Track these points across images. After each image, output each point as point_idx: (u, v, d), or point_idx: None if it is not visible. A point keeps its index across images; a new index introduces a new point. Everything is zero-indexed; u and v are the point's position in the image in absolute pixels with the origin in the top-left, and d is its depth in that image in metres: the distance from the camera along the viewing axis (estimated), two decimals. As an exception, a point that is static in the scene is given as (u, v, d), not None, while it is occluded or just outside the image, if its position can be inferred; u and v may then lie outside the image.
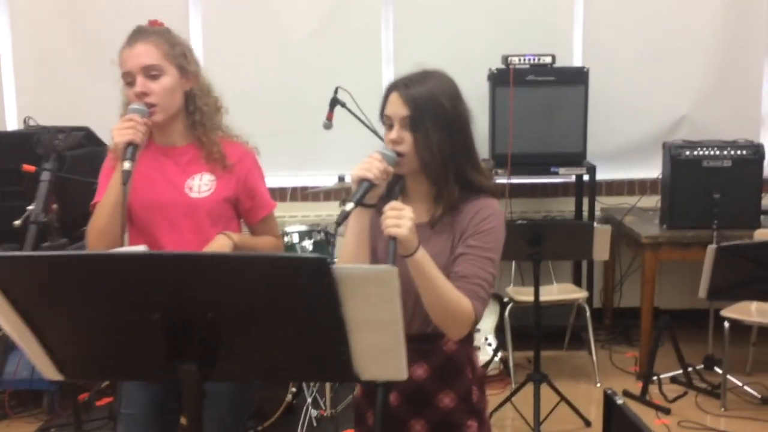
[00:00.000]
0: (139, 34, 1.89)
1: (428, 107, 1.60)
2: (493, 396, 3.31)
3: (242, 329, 1.00)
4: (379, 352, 1.06)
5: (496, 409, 3.26)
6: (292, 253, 0.93)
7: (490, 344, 3.80)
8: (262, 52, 4.42)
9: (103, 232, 1.80)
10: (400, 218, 1.48)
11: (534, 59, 4.02)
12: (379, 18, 4.46)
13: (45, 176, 1.63)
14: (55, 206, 1.56)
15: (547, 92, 4.00)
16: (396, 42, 4.48)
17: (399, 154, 1.61)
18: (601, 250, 3.27)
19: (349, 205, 1.52)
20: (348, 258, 1.64)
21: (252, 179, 2.01)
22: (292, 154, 4.39)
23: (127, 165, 1.71)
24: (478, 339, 3.78)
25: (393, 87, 1.65)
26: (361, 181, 1.54)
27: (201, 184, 1.94)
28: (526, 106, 3.99)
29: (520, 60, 4.01)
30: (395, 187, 1.62)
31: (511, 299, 3.81)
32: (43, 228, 1.51)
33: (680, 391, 3.60)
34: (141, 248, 1.27)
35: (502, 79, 3.98)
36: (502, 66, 4.02)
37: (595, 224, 3.29)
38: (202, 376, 0.99)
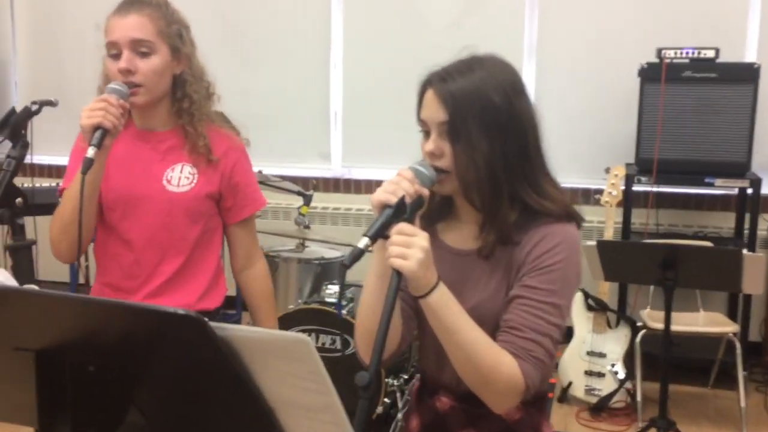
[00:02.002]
0: (134, 3, 1.68)
1: (472, 107, 1.23)
2: (611, 434, 2.93)
3: (128, 387, 0.83)
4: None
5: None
6: (161, 306, 0.70)
7: (616, 372, 3.39)
8: (399, 42, 4.28)
9: (68, 226, 1.59)
10: (409, 246, 1.14)
11: (693, 53, 3.50)
12: (522, 7, 4.14)
13: (7, 164, 1.45)
14: (19, 200, 1.40)
15: (706, 91, 3.46)
16: (540, 33, 4.14)
17: (439, 171, 1.27)
18: (753, 282, 2.74)
19: (363, 241, 1.13)
20: (368, 309, 1.30)
21: (237, 174, 1.78)
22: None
23: (90, 152, 1.49)
24: (604, 366, 3.39)
25: (427, 82, 1.29)
26: (384, 207, 1.18)
27: (181, 177, 1.72)
28: (679, 106, 3.48)
29: (676, 53, 3.50)
30: (406, 206, 1.20)
31: (644, 324, 3.37)
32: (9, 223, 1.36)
33: None
34: (1, 274, 1.08)
35: (654, 74, 3.50)
36: (655, 60, 3.55)
37: (745, 252, 2.76)
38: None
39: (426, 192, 1.24)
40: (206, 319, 0.72)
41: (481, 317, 1.26)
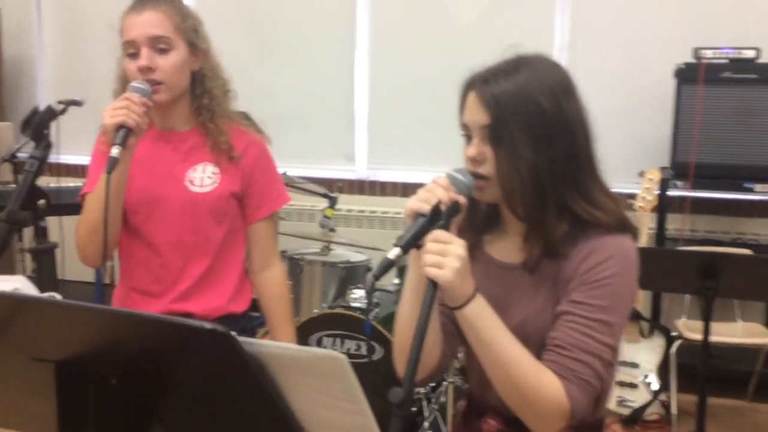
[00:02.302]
0: (147, 1, 1.64)
1: (516, 110, 1.15)
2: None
3: (153, 402, 0.77)
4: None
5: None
6: (187, 320, 0.64)
7: (649, 383, 3.27)
8: (426, 42, 4.20)
9: (94, 229, 1.55)
10: (445, 254, 1.07)
11: (733, 53, 3.38)
12: (553, 5, 4.04)
13: (29, 165, 1.38)
14: (42, 202, 1.35)
15: (746, 92, 3.34)
16: (572, 31, 4.04)
17: (479, 177, 1.19)
18: (797, 291, 2.63)
19: (394, 251, 1.07)
20: (404, 322, 1.22)
21: (259, 171, 1.74)
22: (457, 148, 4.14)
23: (114, 151, 1.46)
24: (636, 376, 3.27)
25: (470, 84, 1.22)
26: (417, 216, 1.12)
27: (204, 177, 1.68)
28: (717, 108, 3.37)
29: (714, 54, 3.39)
30: (441, 213, 1.13)
31: (680, 335, 3.25)
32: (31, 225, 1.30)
33: None
34: (19, 281, 1.02)
35: (690, 75, 3.39)
36: (692, 60, 3.43)
37: (790, 259, 2.65)
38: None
39: (462, 199, 1.16)
40: (234, 334, 0.65)
41: (526, 334, 1.18)
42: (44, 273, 1.35)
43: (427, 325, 1.04)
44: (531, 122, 1.17)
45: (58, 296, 1.09)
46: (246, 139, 1.74)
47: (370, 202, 4.35)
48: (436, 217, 1.11)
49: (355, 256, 3.37)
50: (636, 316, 3.33)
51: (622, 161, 3.85)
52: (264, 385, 0.68)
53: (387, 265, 1.06)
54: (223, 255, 1.73)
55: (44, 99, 5.18)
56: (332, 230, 3.29)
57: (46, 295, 0.94)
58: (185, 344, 0.70)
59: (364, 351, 2.80)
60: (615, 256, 1.18)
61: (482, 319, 1.12)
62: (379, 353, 2.73)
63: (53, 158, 1.67)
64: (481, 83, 1.20)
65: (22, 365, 0.81)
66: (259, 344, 0.67)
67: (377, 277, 1.08)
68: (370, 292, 1.09)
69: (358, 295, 3.00)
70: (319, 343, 2.90)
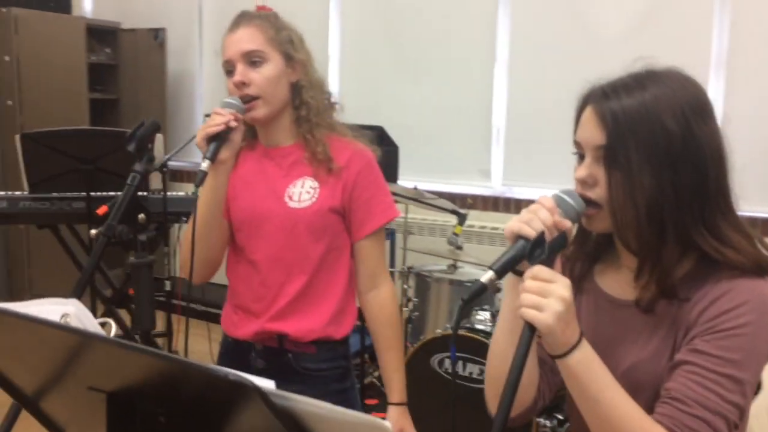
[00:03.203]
0: (241, 19, 1.64)
1: (637, 130, 1.03)
2: None
3: None
4: None
5: None
6: (212, 367, 0.60)
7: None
8: (568, 56, 4.04)
9: (195, 244, 1.56)
10: (546, 295, 0.96)
11: None
12: (710, 13, 3.73)
13: (131, 179, 1.39)
14: (142, 216, 1.37)
15: None
16: (732, 43, 3.71)
17: (589, 203, 1.08)
18: None
19: (488, 275, 0.98)
20: (497, 354, 1.14)
21: (363, 184, 1.65)
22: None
23: (203, 165, 1.46)
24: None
25: (587, 98, 1.10)
26: (517, 238, 1.02)
27: (302, 192, 1.63)
28: None
29: None
30: (544, 246, 1.01)
31: None
32: (129, 241, 1.33)
33: None
34: (72, 304, 1.01)
35: None
36: None
37: None
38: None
39: (568, 225, 1.05)
40: (264, 389, 0.62)
41: (636, 382, 1.06)
42: (141, 288, 1.40)
43: (523, 367, 0.95)
44: (653, 145, 1.03)
45: (112, 323, 1.12)
46: (350, 150, 1.68)
47: (504, 220, 4.22)
48: (538, 245, 1.01)
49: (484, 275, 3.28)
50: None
51: (755, 180, 3.50)
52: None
53: (479, 290, 0.98)
54: (323, 274, 1.67)
55: (201, 112, 5.54)
56: (459, 248, 3.23)
57: (100, 320, 0.98)
58: (219, 393, 0.68)
59: (486, 375, 2.71)
60: (750, 302, 1.02)
61: (588, 370, 1.01)
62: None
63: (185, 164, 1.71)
64: (599, 98, 1.08)
65: (78, 393, 0.83)
66: (294, 400, 0.63)
67: (467, 302, 1.00)
68: (460, 318, 1.02)
69: (483, 317, 2.92)
70: (440, 365, 2.85)
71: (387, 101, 4.53)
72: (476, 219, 4.19)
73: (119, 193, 1.38)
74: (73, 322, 0.92)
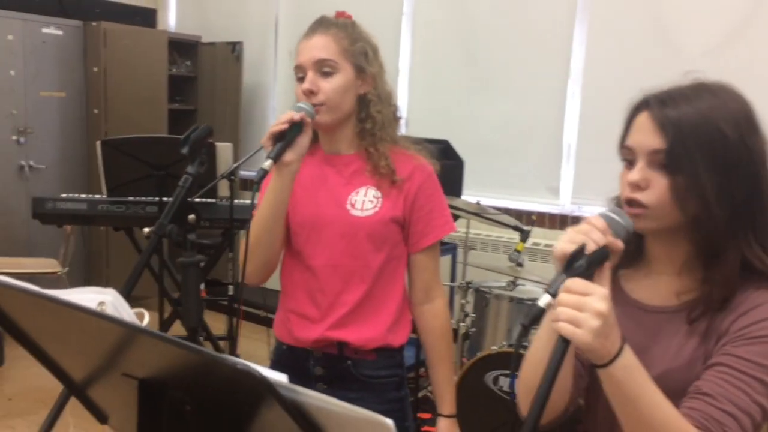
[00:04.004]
0: (319, 25, 1.64)
1: (699, 136, 1.06)
2: None
3: None
4: None
5: None
6: (233, 360, 0.62)
7: None
8: (647, 72, 3.92)
9: (253, 248, 1.58)
10: (582, 309, 0.95)
11: None
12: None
13: (183, 181, 1.41)
14: (192, 217, 1.40)
15: None
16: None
17: (636, 204, 1.09)
18: None
19: (545, 299, 0.98)
20: (533, 363, 1.14)
21: (422, 198, 1.65)
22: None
23: (266, 164, 1.47)
24: None
25: (643, 105, 1.13)
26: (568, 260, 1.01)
27: (365, 201, 1.64)
28: None
29: None
30: (583, 259, 1.00)
31: None
32: (180, 240, 1.37)
33: None
34: (109, 293, 1.03)
35: None
36: None
37: None
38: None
39: (620, 245, 1.05)
40: (273, 382, 0.63)
41: (667, 388, 1.05)
42: (188, 286, 1.44)
43: (554, 380, 0.95)
44: (714, 150, 1.07)
45: (145, 312, 1.15)
46: (412, 163, 1.69)
47: (572, 239, 4.15)
48: (577, 258, 1.00)
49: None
50: None
51: None
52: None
53: (538, 314, 0.98)
54: (382, 283, 1.68)
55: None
56: (520, 265, 3.18)
57: (135, 310, 1.01)
58: (239, 386, 0.69)
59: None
60: None
61: (630, 378, 1.00)
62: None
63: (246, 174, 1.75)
64: (657, 105, 1.11)
65: (113, 379, 0.87)
66: (303, 394, 0.64)
67: (527, 327, 1.00)
68: (519, 344, 1.01)
69: (542, 336, 2.86)
70: (495, 383, 2.81)
71: (456, 115, 4.53)
72: (542, 237, 4.13)
73: (188, 199, 1.44)
74: (109, 310, 0.96)
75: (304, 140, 1.55)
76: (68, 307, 0.84)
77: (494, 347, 2.90)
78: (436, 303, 1.74)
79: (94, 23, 5.10)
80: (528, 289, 3.28)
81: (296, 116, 1.53)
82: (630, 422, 1.03)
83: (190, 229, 1.39)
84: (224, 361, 0.66)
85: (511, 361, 2.73)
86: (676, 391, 1.07)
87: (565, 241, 1.03)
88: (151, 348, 0.75)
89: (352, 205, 1.66)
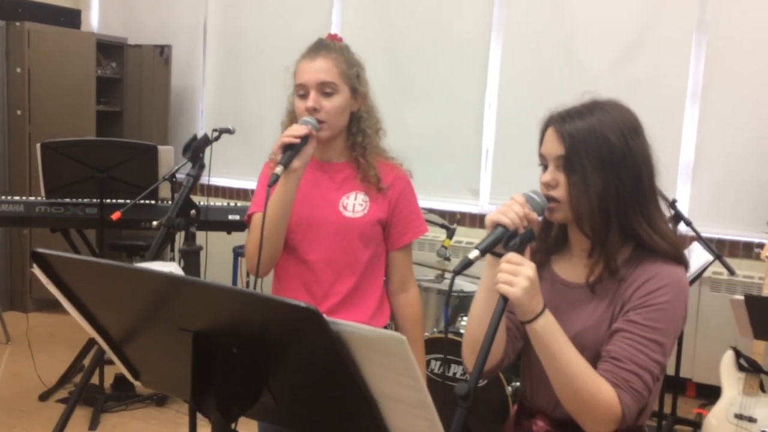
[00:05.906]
0: (321, 48, 1.87)
1: (588, 144, 1.35)
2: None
3: (263, 371, 0.97)
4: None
5: None
6: (283, 298, 0.82)
7: (768, 440, 3.14)
8: (555, 84, 4.28)
9: (266, 241, 1.75)
10: (516, 274, 1.26)
11: None
12: (688, 48, 4.02)
13: (186, 182, 1.66)
14: (193, 212, 1.63)
15: None
16: (706, 77, 4.00)
17: (551, 200, 1.40)
18: None
19: (474, 253, 1.27)
20: (475, 319, 1.43)
21: (403, 202, 1.93)
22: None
23: (277, 170, 1.68)
24: (755, 430, 3.15)
25: (550, 121, 1.43)
26: (496, 226, 1.32)
27: (356, 204, 1.89)
28: None
29: None
30: (516, 238, 1.32)
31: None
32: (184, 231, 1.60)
33: None
34: (172, 266, 1.24)
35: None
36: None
37: None
38: (221, 412, 0.98)
39: (535, 216, 1.36)
40: (320, 312, 0.84)
41: (581, 346, 1.34)
42: (190, 270, 1.64)
43: (496, 329, 1.23)
44: (600, 155, 1.35)
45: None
46: (394, 173, 1.95)
47: (491, 237, 4.46)
48: (512, 237, 1.31)
49: (468, 286, 3.51)
50: (756, 369, 3.22)
51: (751, 209, 3.76)
52: (345, 361, 0.86)
53: (466, 264, 1.26)
54: (367, 276, 1.92)
55: (202, 127, 5.75)
56: (447, 259, 3.46)
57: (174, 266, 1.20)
58: (287, 320, 0.90)
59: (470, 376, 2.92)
60: (670, 284, 1.35)
61: (549, 333, 1.29)
62: (485, 381, 2.85)
63: (204, 180, 1.95)
64: (559, 120, 1.40)
65: (170, 334, 1.04)
66: (341, 324, 0.85)
67: (457, 273, 1.27)
68: (451, 286, 1.30)
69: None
70: (427, 366, 3.06)
71: (388, 122, 4.73)
72: (464, 235, 4.43)
73: (128, 201, 1.65)
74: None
75: (309, 149, 1.77)
76: (133, 271, 1.01)
77: (426, 334, 3.16)
78: (410, 293, 2.02)
79: (17, 23, 5.04)
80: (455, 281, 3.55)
81: (305, 130, 1.74)
82: (551, 372, 1.32)
83: (191, 222, 1.58)
84: (274, 299, 0.87)
85: (443, 346, 3.00)
86: (587, 347, 1.37)
87: (495, 213, 1.34)
88: (206, 299, 0.94)
89: (344, 208, 1.90)
